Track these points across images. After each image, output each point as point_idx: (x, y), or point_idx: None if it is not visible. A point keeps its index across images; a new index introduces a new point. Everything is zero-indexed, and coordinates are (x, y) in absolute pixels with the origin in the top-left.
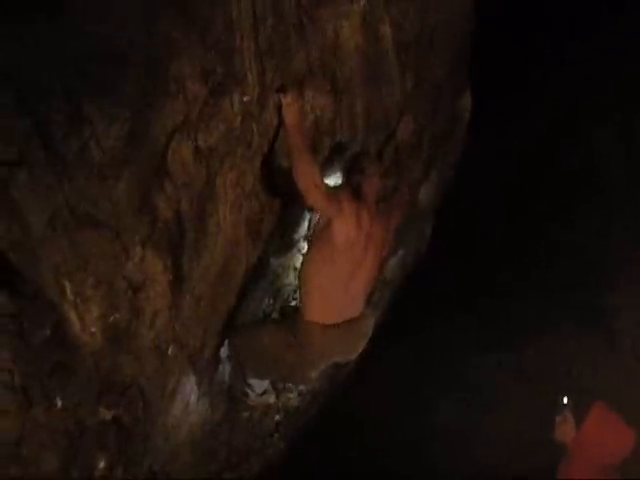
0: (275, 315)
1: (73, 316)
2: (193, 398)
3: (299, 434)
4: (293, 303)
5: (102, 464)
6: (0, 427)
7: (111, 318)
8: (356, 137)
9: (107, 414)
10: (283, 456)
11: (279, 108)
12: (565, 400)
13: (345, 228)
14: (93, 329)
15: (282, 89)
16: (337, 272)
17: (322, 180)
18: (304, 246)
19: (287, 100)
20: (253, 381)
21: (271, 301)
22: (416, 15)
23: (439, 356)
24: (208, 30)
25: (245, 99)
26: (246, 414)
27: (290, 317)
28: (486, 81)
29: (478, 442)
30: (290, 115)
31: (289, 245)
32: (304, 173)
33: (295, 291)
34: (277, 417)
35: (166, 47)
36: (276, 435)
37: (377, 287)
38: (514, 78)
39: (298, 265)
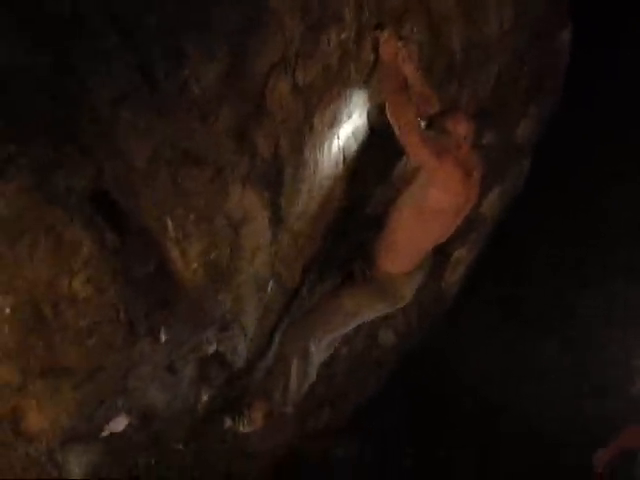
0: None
1: (175, 252)
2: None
3: (395, 372)
4: None
5: (205, 397)
6: (107, 361)
7: (212, 255)
8: (454, 74)
9: (209, 349)
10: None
11: (376, 46)
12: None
13: (443, 196)
14: (195, 265)
15: (379, 26)
16: (426, 234)
17: (418, 122)
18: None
19: (384, 37)
20: None
21: None
22: None
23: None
24: None
25: (342, 36)
26: (345, 349)
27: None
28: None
29: None
30: (387, 53)
31: (389, 183)
32: (397, 112)
33: None
34: (374, 354)
35: None
36: (374, 370)
37: (475, 225)
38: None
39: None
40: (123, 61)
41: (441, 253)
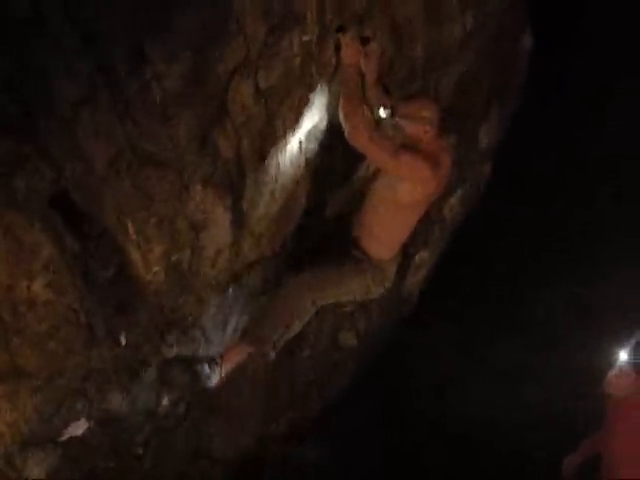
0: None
1: (136, 255)
2: None
3: (359, 374)
4: None
5: (165, 401)
6: (66, 364)
7: (173, 257)
8: (415, 77)
9: (170, 352)
10: (344, 396)
11: (337, 48)
12: (623, 355)
13: (414, 188)
14: (156, 268)
15: (341, 28)
16: (405, 225)
17: (372, 125)
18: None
19: (346, 40)
20: None
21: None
22: None
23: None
24: None
25: (304, 39)
26: (306, 352)
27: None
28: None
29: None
30: (348, 55)
31: (349, 184)
32: (351, 114)
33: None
34: (335, 356)
35: None
36: (335, 374)
37: (436, 226)
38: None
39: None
40: (84, 62)
41: (403, 255)
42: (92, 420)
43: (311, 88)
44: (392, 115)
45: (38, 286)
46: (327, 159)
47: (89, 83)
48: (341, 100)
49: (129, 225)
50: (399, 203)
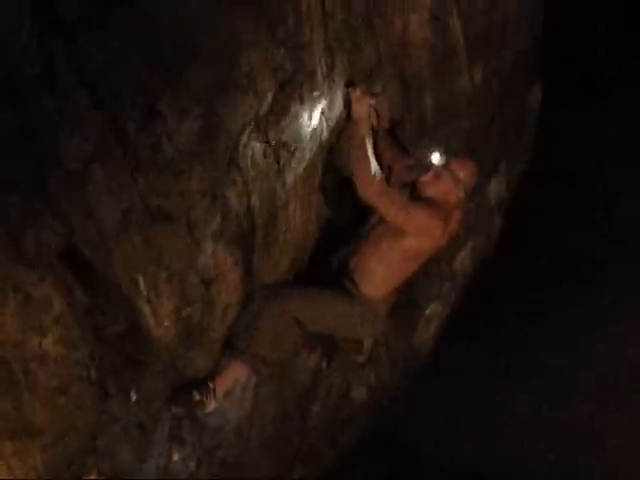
0: None
1: (147, 310)
2: (264, 391)
3: (370, 427)
4: None
5: (176, 457)
6: (77, 420)
7: (184, 312)
8: (425, 130)
9: (179, 408)
10: (354, 450)
11: (347, 102)
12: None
13: (415, 242)
14: (166, 323)
15: (351, 84)
16: (400, 270)
17: (382, 178)
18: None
19: (356, 94)
20: None
21: None
22: (486, 7)
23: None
24: (277, 25)
25: (315, 94)
26: (317, 407)
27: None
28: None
29: None
30: (358, 109)
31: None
32: (360, 168)
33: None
34: (346, 410)
35: (236, 42)
36: (346, 428)
37: (447, 279)
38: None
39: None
40: (95, 119)
41: (414, 307)
42: (103, 476)
43: (321, 143)
44: (443, 167)
45: (49, 341)
46: (336, 213)
47: (100, 139)
48: (350, 154)
49: (140, 280)
50: (404, 252)
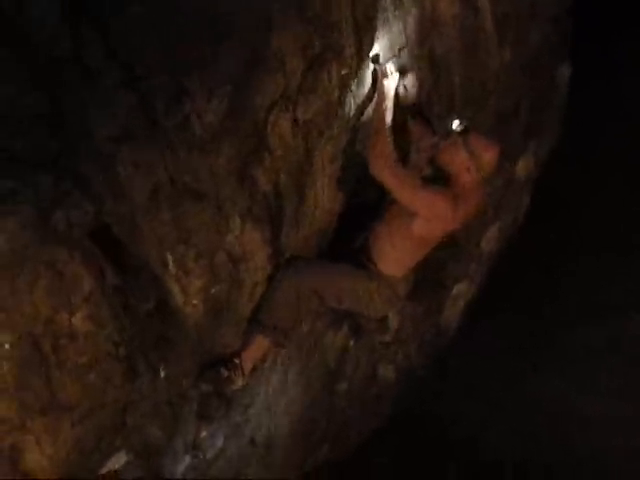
0: None
1: (176, 288)
2: (291, 370)
3: (398, 406)
4: None
5: (204, 433)
6: (106, 397)
7: (212, 290)
8: (453, 109)
9: (208, 386)
10: (380, 430)
11: (375, 79)
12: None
13: (425, 225)
14: (195, 301)
15: (377, 59)
16: (413, 252)
17: (397, 158)
18: None
19: (384, 70)
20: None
21: None
22: None
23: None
24: (307, 4)
25: (343, 72)
26: (344, 385)
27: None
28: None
29: None
30: (385, 85)
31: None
32: (376, 143)
33: None
34: (374, 389)
35: (265, 21)
36: (374, 407)
37: (474, 259)
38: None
39: None
40: (124, 98)
41: (441, 287)
42: (132, 453)
43: (350, 121)
44: (465, 134)
45: (79, 319)
46: (361, 191)
47: (129, 118)
48: (369, 129)
49: (169, 258)
50: (414, 234)
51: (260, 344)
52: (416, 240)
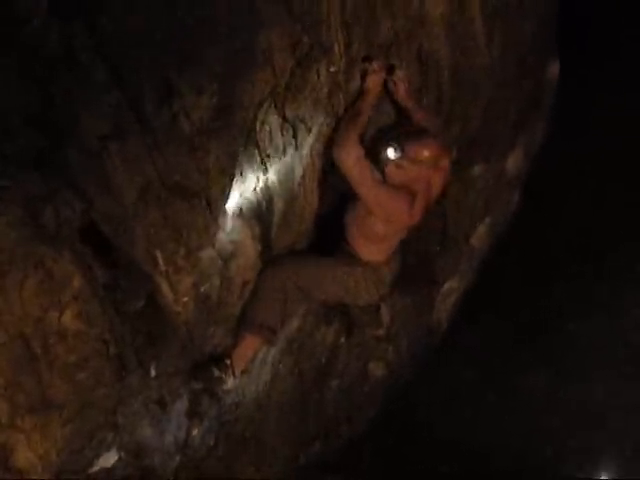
0: None
1: (165, 286)
2: (282, 366)
3: (389, 403)
4: None
5: (195, 431)
6: (96, 395)
7: (202, 288)
8: (442, 106)
9: (199, 384)
10: (371, 425)
11: (363, 77)
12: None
13: (381, 225)
14: (185, 299)
15: (367, 58)
16: (382, 243)
17: (362, 153)
18: None
19: (373, 67)
20: None
21: None
22: None
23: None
24: (294, 1)
25: (332, 69)
26: (335, 382)
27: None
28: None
29: None
30: (371, 81)
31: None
32: (347, 134)
33: None
34: (365, 386)
35: (253, 19)
36: (364, 404)
37: (465, 256)
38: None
39: None
40: (113, 96)
41: (431, 282)
42: (122, 451)
43: (338, 118)
44: (400, 157)
45: (68, 317)
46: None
47: (117, 116)
48: (343, 119)
49: (158, 256)
50: (373, 230)
51: (250, 343)
52: (382, 233)
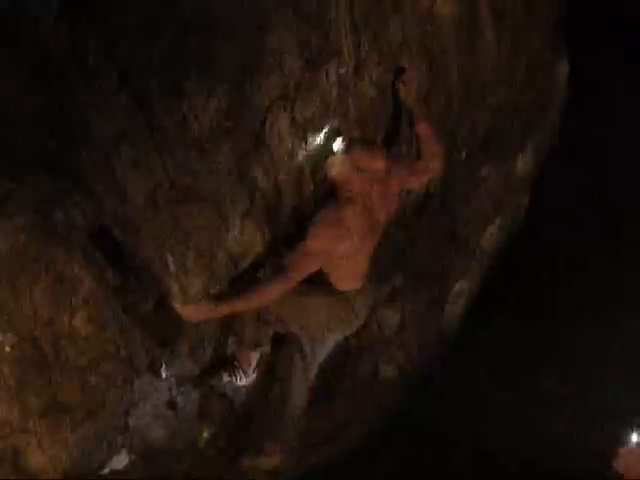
0: None
1: (176, 289)
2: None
3: (400, 405)
4: None
5: (206, 434)
6: (107, 398)
7: (212, 290)
8: (451, 108)
9: (209, 386)
10: (383, 428)
11: (393, 83)
12: (635, 437)
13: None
14: (195, 301)
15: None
16: (354, 265)
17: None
18: None
19: (409, 75)
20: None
21: None
22: None
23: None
24: (303, 3)
25: (341, 71)
26: (345, 385)
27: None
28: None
29: None
30: (407, 90)
31: None
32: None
33: None
34: (375, 389)
35: (262, 20)
36: (375, 407)
37: (474, 256)
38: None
39: None
40: (122, 98)
41: (442, 283)
42: (133, 453)
43: (348, 119)
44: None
45: (79, 320)
46: None
47: (127, 118)
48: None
49: (168, 258)
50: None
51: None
52: (338, 258)
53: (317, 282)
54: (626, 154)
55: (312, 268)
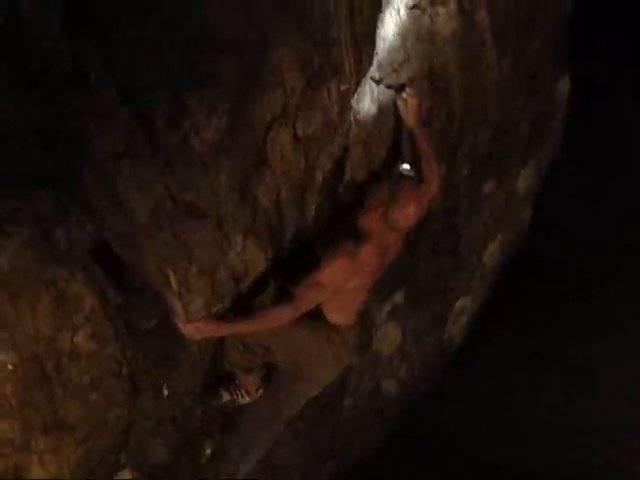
0: None
1: (178, 306)
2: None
3: (401, 422)
4: None
5: (208, 451)
6: (109, 416)
7: (215, 308)
8: (453, 124)
9: (212, 404)
10: (385, 443)
11: (395, 104)
12: None
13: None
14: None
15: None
16: (351, 302)
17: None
18: None
19: (410, 93)
20: None
21: None
22: None
23: None
24: (305, 20)
25: (342, 88)
26: (348, 401)
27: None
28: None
29: None
30: (410, 111)
31: None
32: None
33: None
34: (378, 405)
35: (264, 37)
36: (378, 422)
37: (477, 273)
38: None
39: None
40: (123, 115)
41: (443, 299)
42: (136, 471)
43: (349, 137)
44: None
45: (81, 338)
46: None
47: (129, 135)
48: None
49: (170, 275)
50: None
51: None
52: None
53: (310, 314)
54: (629, 168)
55: (319, 300)
